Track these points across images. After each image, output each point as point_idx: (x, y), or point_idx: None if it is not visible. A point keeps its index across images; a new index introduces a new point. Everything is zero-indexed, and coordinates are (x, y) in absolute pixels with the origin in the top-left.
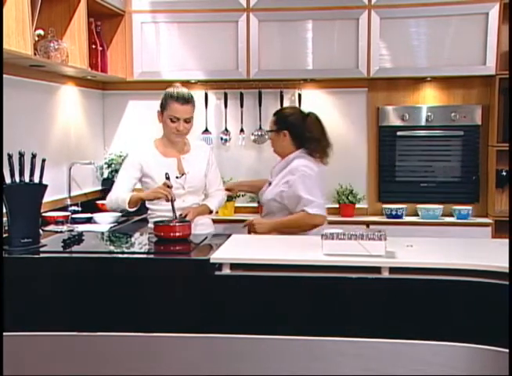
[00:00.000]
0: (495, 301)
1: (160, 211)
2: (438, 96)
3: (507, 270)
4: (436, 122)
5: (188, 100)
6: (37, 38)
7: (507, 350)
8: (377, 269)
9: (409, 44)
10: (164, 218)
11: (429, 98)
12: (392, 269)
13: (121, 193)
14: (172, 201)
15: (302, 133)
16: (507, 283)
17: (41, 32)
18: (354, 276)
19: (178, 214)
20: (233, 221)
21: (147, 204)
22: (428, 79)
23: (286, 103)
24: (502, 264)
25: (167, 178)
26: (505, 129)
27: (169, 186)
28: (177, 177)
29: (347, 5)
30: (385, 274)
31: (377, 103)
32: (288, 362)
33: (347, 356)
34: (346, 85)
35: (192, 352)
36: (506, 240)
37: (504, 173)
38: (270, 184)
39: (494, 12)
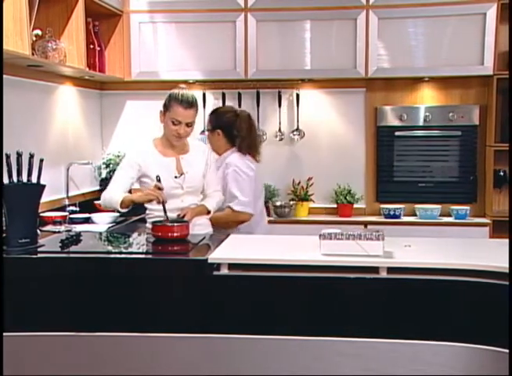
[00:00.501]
0: (494, 302)
1: (158, 211)
2: (436, 96)
3: (506, 270)
4: (434, 122)
5: (192, 104)
6: (34, 38)
7: (507, 350)
8: (375, 269)
9: (407, 44)
10: (162, 219)
11: (427, 98)
12: (390, 269)
13: (115, 194)
14: (163, 203)
15: (233, 132)
16: (506, 283)
17: (39, 32)
18: (352, 276)
19: (176, 215)
20: None
21: (145, 204)
22: (426, 79)
23: (284, 103)
24: (500, 264)
25: (158, 180)
26: (503, 129)
27: (160, 188)
28: (176, 177)
29: (345, 6)
30: (383, 274)
31: (375, 103)
32: (287, 362)
33: (346, 356)
34: (344, 85)
35: (190, 352)
36: (505, 240)
37: (502, 173)
38: None
39: (492, 13)
